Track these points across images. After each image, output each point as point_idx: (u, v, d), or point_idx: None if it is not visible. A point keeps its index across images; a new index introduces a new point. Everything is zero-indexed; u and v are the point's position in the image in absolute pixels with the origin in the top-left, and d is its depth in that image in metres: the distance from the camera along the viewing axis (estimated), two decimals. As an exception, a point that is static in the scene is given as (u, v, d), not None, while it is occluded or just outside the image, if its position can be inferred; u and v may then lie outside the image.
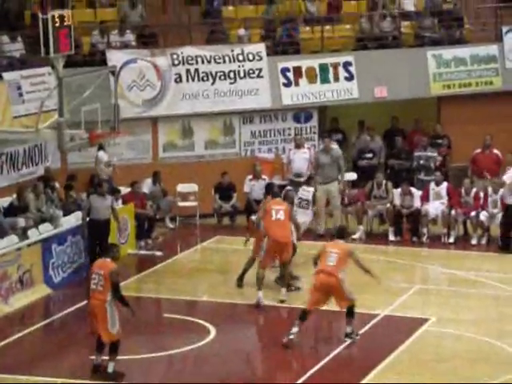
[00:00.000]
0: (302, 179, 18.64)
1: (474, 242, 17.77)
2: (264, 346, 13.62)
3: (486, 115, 20.47)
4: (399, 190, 18.32)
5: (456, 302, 14.53)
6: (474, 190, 18.13)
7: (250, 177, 19.33)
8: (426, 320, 13.72)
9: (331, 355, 12.59)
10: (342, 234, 13.35)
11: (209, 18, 20.45)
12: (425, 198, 18.21)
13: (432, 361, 12.43)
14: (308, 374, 12.05)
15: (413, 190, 18.36)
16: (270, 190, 15.61)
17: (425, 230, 17.94)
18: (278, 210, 14.48)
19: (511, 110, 20.57)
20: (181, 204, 19.28)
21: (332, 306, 13.20)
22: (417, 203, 18.12)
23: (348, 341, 12.89)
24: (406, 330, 13.37)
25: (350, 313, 12.98)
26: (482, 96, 20.68)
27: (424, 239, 17.92)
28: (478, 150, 19.45)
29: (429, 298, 15.04)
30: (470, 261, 16.90)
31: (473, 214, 17.85)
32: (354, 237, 17.84)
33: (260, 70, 19.80)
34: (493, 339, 13.00)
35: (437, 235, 18.01)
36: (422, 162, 19.61)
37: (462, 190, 18.21)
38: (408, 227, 18.13)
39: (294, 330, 12.71)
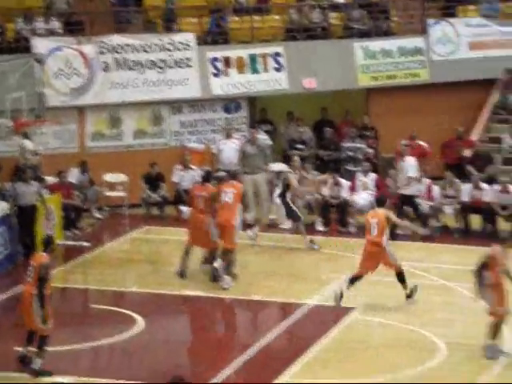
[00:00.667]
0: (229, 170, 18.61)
1: (400, 231, 18.01)
2: (192, 336, 13.61)
3: (413, 107, 20.73)
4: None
5: (382, 291, 14.68)
6: (401, 180, 18.35)
7: (180, 166, 19.23)
8: (352, 309, 13.87)
9: (258, 345, 12.64)
10: (381, 202, 14.57)
11: (128, 6, 20.23)
12: (352, 189, 18.38)
13: (358, 349, 12.57)
14: (234, 363, 12.07)
15: (341, 180, 18.52)
16: (209, 177, 15.36)
17: (352, 221, 18.12)
18: (227, 193, 14.46)
19: (438, 102, 20.88)
20: (108, 194, 19.10)
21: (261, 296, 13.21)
22: (345, 194, 18.28)
23: (409, 300, 13.88)
24: (334, 319, 13.50)
25: (401, 278, 13.82)
26: (409, 88, 20.93)
27: (351, 229, 18.11)
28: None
29: (356, 287, 15.18)
30: (396, 250, 17.09)
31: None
32: (283, 227, 17.95)
33: (189, 59, 19.71)
34: (416, 327, 13.20)
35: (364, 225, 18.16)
36: (350, 153, 19.79)
37: (389, 181, 18.43)
38: (336, 217, 18.28)
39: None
